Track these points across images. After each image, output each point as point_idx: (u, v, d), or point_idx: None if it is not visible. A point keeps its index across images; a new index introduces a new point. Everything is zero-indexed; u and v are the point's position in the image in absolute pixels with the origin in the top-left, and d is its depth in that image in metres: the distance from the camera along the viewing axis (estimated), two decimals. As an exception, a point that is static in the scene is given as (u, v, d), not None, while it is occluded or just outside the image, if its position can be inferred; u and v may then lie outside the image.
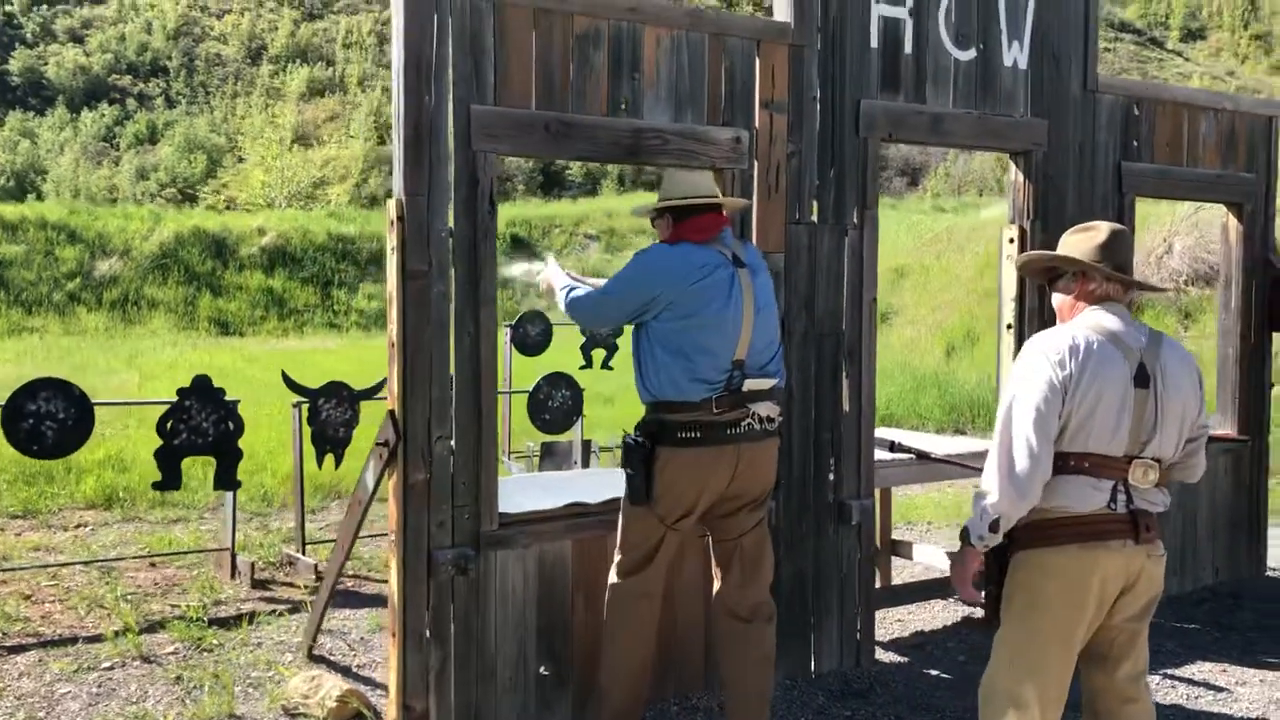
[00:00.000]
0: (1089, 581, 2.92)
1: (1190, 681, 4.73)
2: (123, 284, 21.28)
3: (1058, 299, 3.17)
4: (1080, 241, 3.14)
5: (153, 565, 6.36)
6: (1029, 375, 2.94)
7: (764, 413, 3.61)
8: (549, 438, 7.55)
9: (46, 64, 51.18)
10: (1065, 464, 2.92)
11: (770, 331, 3.71)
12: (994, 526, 2.92)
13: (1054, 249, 3.23)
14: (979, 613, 5.15)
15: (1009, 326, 5.29)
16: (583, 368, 9.80)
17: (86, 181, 42.14)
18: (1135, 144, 5.67)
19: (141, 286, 21.39)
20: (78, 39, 53.71)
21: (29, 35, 52.94)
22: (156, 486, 5.39)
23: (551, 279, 4.00)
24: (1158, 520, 3.00)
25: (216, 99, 51.89)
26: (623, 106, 4.10)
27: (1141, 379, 2.93)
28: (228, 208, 33.47)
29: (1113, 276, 3.05)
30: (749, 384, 3.59)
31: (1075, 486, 2.92)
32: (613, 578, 3.79)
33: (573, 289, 3.85)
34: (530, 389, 6.99)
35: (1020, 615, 3.03)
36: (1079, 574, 2.93)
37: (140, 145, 47.28)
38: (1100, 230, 3.13)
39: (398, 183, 3.73)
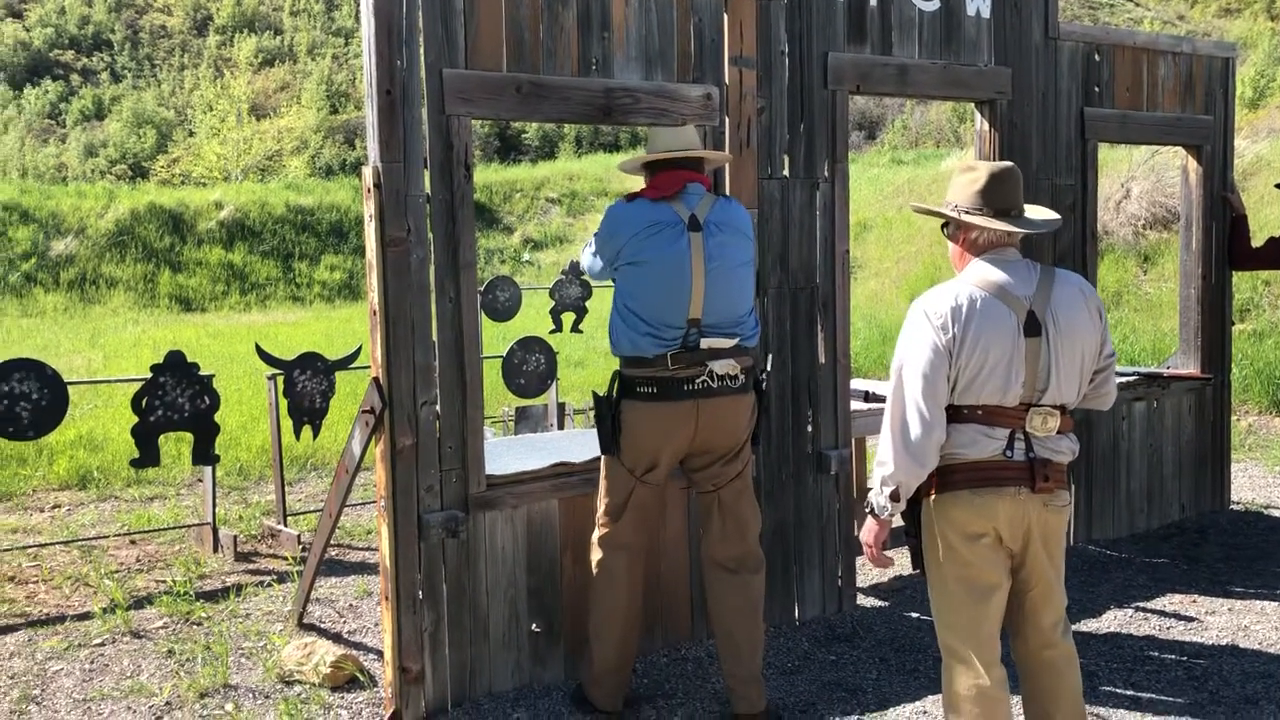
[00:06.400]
0: (984, 527, 2.91)
1: (1161, 613, 4.87)
2: (79, 263, 20.95)
3: (949, 247, 3.08)
4: (961, 186, 2.99)
5: (133, 543, 6.35)
6: (914, 341, 2.89)
7: (721, 370, 3.66)
8: (524, 402, 7.57)
9: (-14, 40, 50.04)
10: (958, 414, 2.90)
11: (733, 292, 3.71)
12: (894, 496, 2.91)
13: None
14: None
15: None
16: (552, 332, 9.81)
17: (34, 160, 41.33)
18: (1097, 90, 5.75)
19: (99, 265, 21.08)
20: (16, 14, 52.47)
21: (-34, 12, 51.69)
22: (135, 464, 5.38)
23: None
24: (1064, 470, 2.97)
25: (164, 72, 50.90)
26: (594, 66, 4.11)
27: (1032, 328, 2.86)
28: (181, 182, 32.93)
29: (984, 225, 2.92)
30: (706, 342, 3.65)
31: (967, 434, 2.89)
32: (594, 533, 3.87)
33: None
34: (504, 354, 7.01)
35: (931, 566, 3.04)
36: (973, 519, 2.91)
37: (87, 121, 46.35)
38: (979, 172, 2.97)
39: (372, 149, 3.72)
